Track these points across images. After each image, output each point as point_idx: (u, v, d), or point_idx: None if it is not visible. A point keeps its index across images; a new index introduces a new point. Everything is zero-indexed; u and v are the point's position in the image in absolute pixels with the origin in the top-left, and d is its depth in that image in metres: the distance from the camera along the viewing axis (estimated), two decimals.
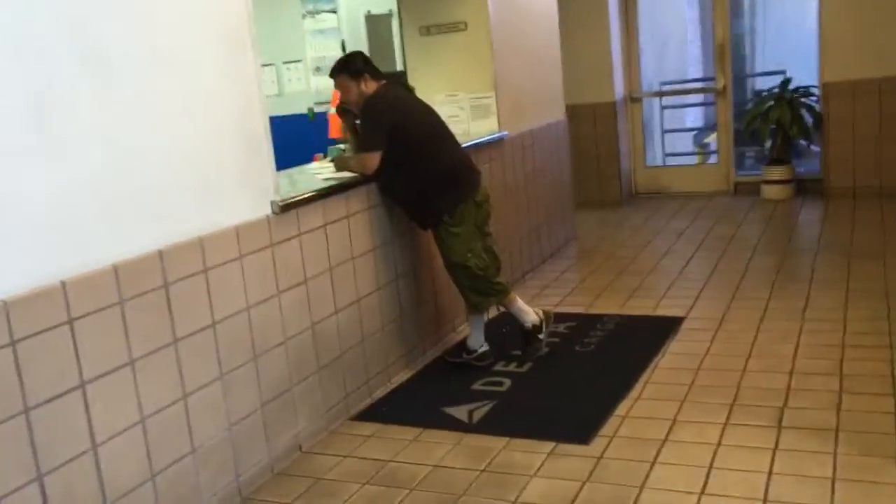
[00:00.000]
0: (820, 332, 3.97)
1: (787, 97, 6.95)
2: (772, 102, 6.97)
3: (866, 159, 6.76)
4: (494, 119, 5.12)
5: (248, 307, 2.99)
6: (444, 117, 5.19)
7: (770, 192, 7.12)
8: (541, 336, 3.96)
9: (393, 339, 3.92)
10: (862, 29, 6.60)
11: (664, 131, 8.72)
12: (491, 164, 5.00)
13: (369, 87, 3.68)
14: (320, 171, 3.86)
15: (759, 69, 12.54)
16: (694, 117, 10.42)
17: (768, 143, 7.12)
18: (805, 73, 7.46)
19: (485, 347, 3.97)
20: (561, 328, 4.38)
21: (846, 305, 4.29)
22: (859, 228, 5.89)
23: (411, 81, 5.26)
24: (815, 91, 6.99)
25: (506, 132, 5.16)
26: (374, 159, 3.61)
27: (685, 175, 7.95)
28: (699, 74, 9.78)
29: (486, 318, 4.06)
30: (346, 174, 3.72)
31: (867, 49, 6.58)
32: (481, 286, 3.83)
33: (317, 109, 6.85)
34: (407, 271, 4.02)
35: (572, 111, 7.56)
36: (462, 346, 4.04)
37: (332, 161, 3.93)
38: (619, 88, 7.67)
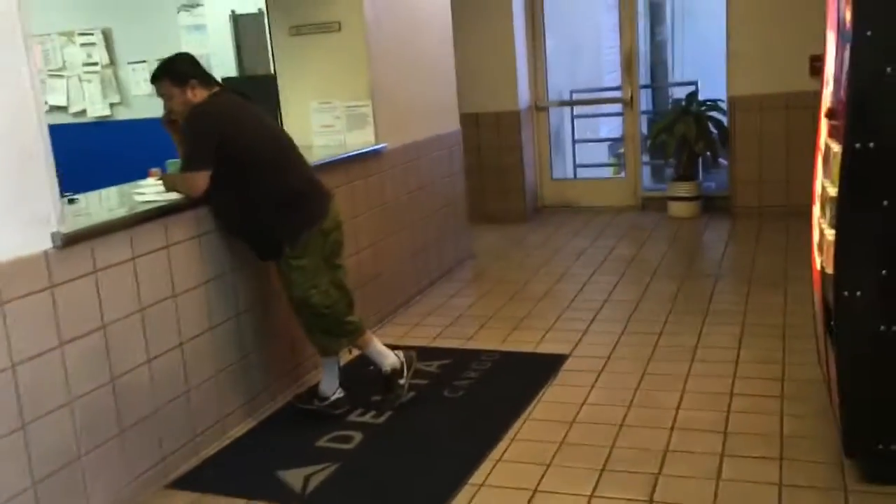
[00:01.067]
0: (709, 376, 3.60)
1: (694, 111, 6.67)
2: (677, 116, 6.67)
3: (773, 177, 6.50)
4: (371, 130, 4.65)
5: (12, 364, 2.44)
6: (318, 127, 4.76)
7: (676, 209, 6.83)
8: (402, 381, 3.50)
9: (231, 386, 3.40)
10: (769, 42, 6.34)
11: (575, 141, 8.39)
12: (367, 180, 4.52)
13: (197, 94, 3.15)
14: (144, 192, 3.32)
15: (676, 79, 12.42)
16: (611, 127, 10.17)
17: (673, 159, 6.83)
18: (717, 86, 7.20)
19: (338, 394, 3.49)
20: (433, 367, 3.93)
21: (740, 343, 3.95)
22: (763, 251, 5.61)
23: (281, 87, 4.77)
24: (723, 105, 6.73)
25: (384, 144, 4.69)
26: (200, 179, 3.08)
27: (593, 189, 7.62)
28: (617, 83, 9.51)
29: (341, 359, 3.59)
30: (175, 195, 3.19)
31: (774, 63, 6.33)
32: (329, 326, 3.34)
33: None
34: (252, 305, 3.51)
35: (474, 120, 7.17)
36: (315, 391, 3.55)
37: (160, 179, 3.40)
38: (525, 97, 7.29)
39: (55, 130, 2.79)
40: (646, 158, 7.25)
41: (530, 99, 7.41)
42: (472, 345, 4.25)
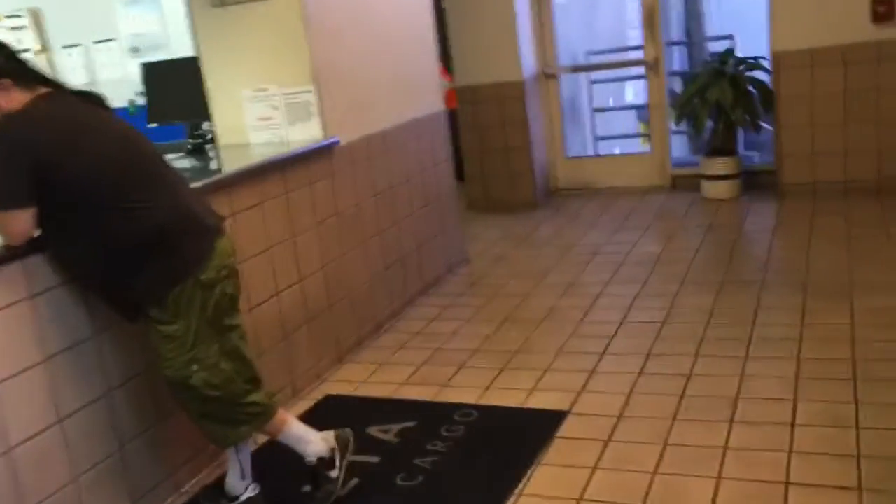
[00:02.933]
0: (753, 450, 2.63)
1: (730, 71, 5.58)
2: (710, 79, 5.59)
3: (828, 147, 5.42)
4: (317, 121, 3.70)
5: None
6: (253, 121, 3.83)
7: (711, 189, 5.78)
8: (334, 473, 2.60)
9: (102, 489, 2.54)
10: None
11: (594, 111, 7.35)
12: (312, 187, 3.59)
13: (13, 99, 2.23)
14: None
15: (714, 32, 11.20)
16: (638, 90, 9.05)
17: (708, 130, 5.76)
18: (758, 40, 6.10)
19: (251, 492, 2.60)
20: (391, 434, 3.03)
21: (795, 393, 2.96)
22: (819, 245, 4.56)
23: (206, 72, 3.84)
24: (765, 63, 5.63)
25: (334, 138, 3.74)
26: (16, 221, 2.17)
27: (615, 167, 6.59)
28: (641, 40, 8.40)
29: (252, 445, 2.70)
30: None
31: (828, 9, 5.22)
32: (221, 412, 2.43)
33: (140, 102, 5.38)
34: (135, 373, 2.63)
35: (471, 95, 6.20)
36: (223, 486, 2.67)
37: None
38: (529, 63, 6.25)
39: None
40: (676, 127, 6.18)
41: (536, 65, 6.37)
42: (446, 395, 3.33)
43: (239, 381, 2.44)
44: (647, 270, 4.50)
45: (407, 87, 4.48)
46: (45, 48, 5.55)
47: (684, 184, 6.18)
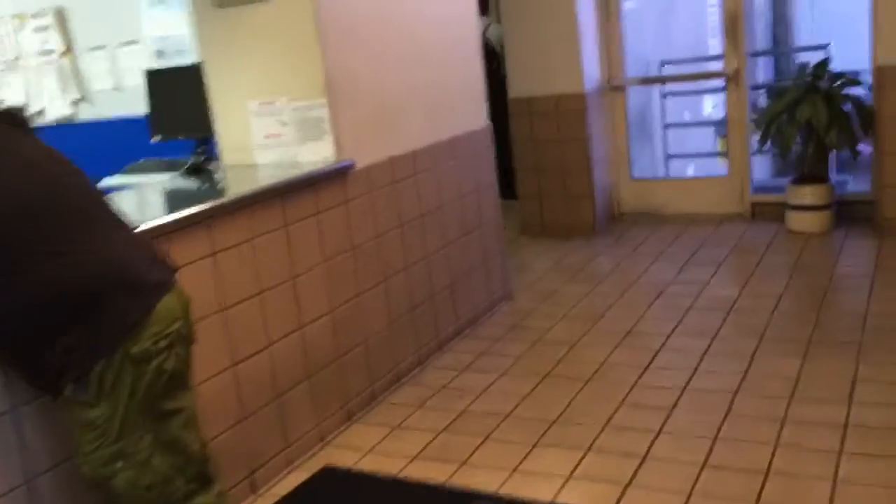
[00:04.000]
0: None
1: (823, 87, 4.85)
2: (800, 94, 4.87)
3: None
4: (329, 140, 3.18)
5: None
6: (261, 138, 3.33)
7: (798, 221, 5.05)
8: None
9: None
10: None
11: (666, 126, 6.66)
12: (319, 218, 3.07)
13: None
14: None
15: (803, 42, 10.34)
16: (718, 104, 8.29)
17: (795, 153, 5.03)
18: (856, 53, 5.36)
19: None
20: None
21: None
22: None
23: (209, 80, 3.36)
24: (866, 78, 4.88)
25: (349, 161, 3.21)
26: None
27: (687, 190, 5.89)
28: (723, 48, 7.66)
29: None
30: None
31: None
32: None
33: None
34: (67, 456, 2.14)
35: (526, 107, 5.61)
36: None
37: None
38: (593, 74, 5.62)
39: None
40: (760, 148, 5.46)
41: (601, 76, 5.74)
42: (464, 477, 2.75)
43: (179, 480, 1.91)
44: (718, 319, 3.83)
45: (445, 100, 3.93)
46: (69, 50, 5.20)
47: (766, 213, 5.46)
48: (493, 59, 5.68)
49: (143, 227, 2.26)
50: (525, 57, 5.53)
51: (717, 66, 6.18)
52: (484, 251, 4.22)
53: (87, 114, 5.27)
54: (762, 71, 8.24)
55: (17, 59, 5.35)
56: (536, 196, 5.75)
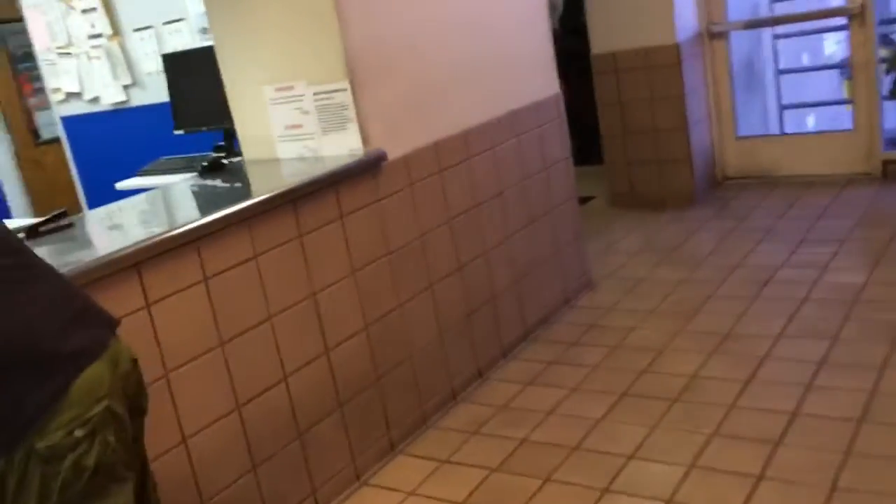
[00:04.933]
0: None
1: None
2: None
3: None
4: (355, 129, 2.71)
5: None
6: (282, 130, 2.90)
7: None
8: None
9: None
10: None
11: (780, 72, 5.82)
12: (345, 222, 2.62)
13: None
14: None
15: None
16: (841, 45, 7.29)
17: None
18: None
19: None
20: None
21: None
22: None
23: (221, 62, 2.96)
24: None
25: (378, 151, 2.74)
26: None
27: (803, 148, 5.09)
28: None
29: None
30: None
31: None
32: None
33: None
34: None
35: (611, 63, 4.97)
36: None
37: None
38: (689, 19, 4.89)
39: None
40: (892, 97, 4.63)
41: (698, 22, 5.00)
42: None
43: None
44: (840, 316, 3.17)
45: (503, 67, 3.38)
46: (116, 32, 4.92)
47: None
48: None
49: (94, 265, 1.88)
50: (607, 6, 4.87)
51: (838, 1, 5.32)
52: (555, 239, 3.68)
53: (139, 98, 5.01)
54: (880, 4, 7.22)
55: (69, 45, 5.13)
56: (625, 164, 5.11)
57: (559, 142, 3.73)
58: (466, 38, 3.19)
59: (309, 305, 2.50)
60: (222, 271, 2.25)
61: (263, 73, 2.84)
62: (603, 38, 4.95)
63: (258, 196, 2.37)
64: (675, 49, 4.75)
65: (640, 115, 4.97)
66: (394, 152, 2.80)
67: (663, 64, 4.81)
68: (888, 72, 4.26)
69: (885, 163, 4.71)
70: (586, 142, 5.35)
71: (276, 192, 2.41)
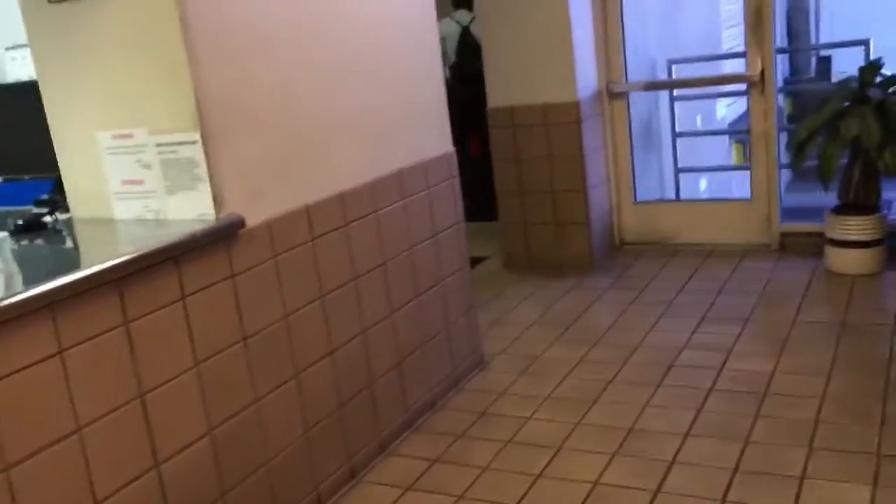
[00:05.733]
0: None
1: (874, 97, 3.90)
2: (844, 105, 3.93)
3: None
4: (206, 190, 2.26)
5: None
6: (119, 185, 2.37)
7: (841, 260, 4.10)
8: None
9: None
10: None
11: (676, 136, 5.71)
12: (186, 303, 2.14)
13: None
14: None
15: (822, 38, 9.39)
16: (735, 109, 7.34)
17: (839, 179, 4.09)
18: None
19: None
20: None
21: None
22: None
23: (46, 102, 2.44)
24: None
25: (233, 217, 2.29)
26: None
27: (701, 216, 4.93)
28: (739, 43, 6.69)
29: None
30: None
31: None
32: None
33: None
34: None
35: (508, 118, 4.68)
36: None
37: None
38: (589, 78, 4.68)
39: None
40: (794, 171, 4.51)
41: (598, 81, 4.79)
42: None
43: None
44: (750, 411, 2.89)
45: (389, 121, 2.99)
46: None
47: (798, 246, 4.52)
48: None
49: None
50: (506, 58, 4.59)
51: (734, 64, 5.25)
52: (445, 314, 3.30)
53: None
54: (778, 72, 7.36)
55: None
56: (521, 223, 4.81)
57: (451, 205, 3.36)
58: (350, 85, 2.78)
59: (134, 410, 2.00)
60: (8, 374, 1.73)
61: (97, 115, 2.35)
62: (501, 91, 4.66)
63: (68, 274, 1.86)
64: (576, 107, 4.51)
65: (537, 174, 4.69)
66: (255, 217, 2.36)
67: (563, 121, 4.55)
68: (788, 147, 4.12)
69: (784, 235, 4.59)
70: (480, 196, 5.05)
71: (93, 269, 1.91)
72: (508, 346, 3.75)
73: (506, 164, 4.77)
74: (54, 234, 2.43)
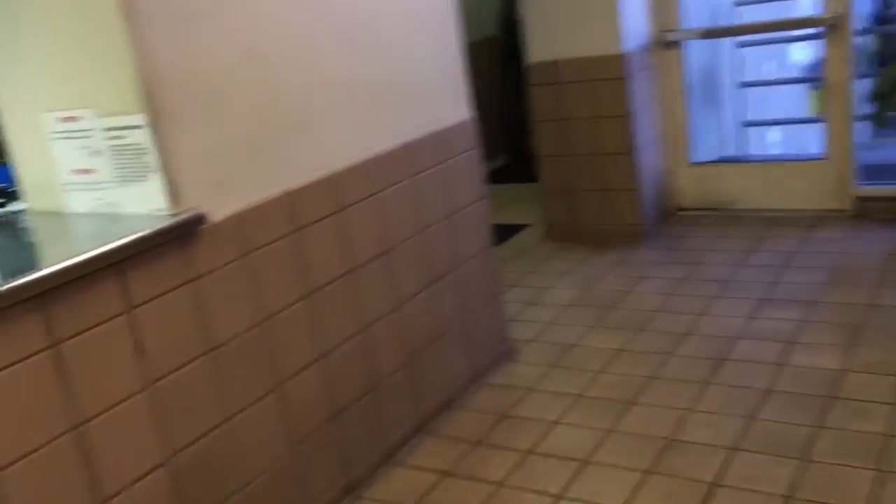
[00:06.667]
0: None
1: None
2: None
3: None
4: (156, 182, 1.95)
5: None
6: (69, 173, 2.04)
7: None
8: None
9: None
10: None
11: (742, 85, 5.14)
12: (133, 315, 1.85)
13: None
14: None
15: None
16: (811, 52, 6.65)
17: None
18: None
19: None
20: None
21: None
22: None
23: None
24: None
25: (194, 210, 1.97)
26: None
27: (767, 178, 4.41)
28: None
29: None
30: None
31: None
32: None
33: None
34: None
35: (551, 72, 4.26)
36: None
37: None
38: (638, 26, 4.19)
39: None
40: (875, 130, 3.96)
41: (650, 29, 4.30)
42: None
43: None
44: (811, 420, 2.48)
45: (393, 89, 2.62)
46: None
47: (878, 211, 4.00)
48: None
49: None
50: (546, 8, 4.14)
51: (807, 4, 4.66)
52: (464, 303, 2.95)
53: None
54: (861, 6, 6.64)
55: None
56: (564, 190, 4.40)
57: (471, 180, 2.99)
58: (339, 50, 2.42)
59: (68, 444, 1.74)
60: None
61: (43, 95, 2.06)
62: (541, 43, 4.21)
63: None
64: (621, 60, 4.04)
65: (581, 135, 4.25)
66: (221, 210, 2.04)
67: (607, 77, 4.09)
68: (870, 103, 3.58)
69: (860, 199, 4.06)
70: (522, 155, 4.66)
71: (8, 286, 1.63)
72: (542, 331, 3.39)
73: (547, 124, 4.34)
74: (5, 229, 2.17)
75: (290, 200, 2.25)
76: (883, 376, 2.66)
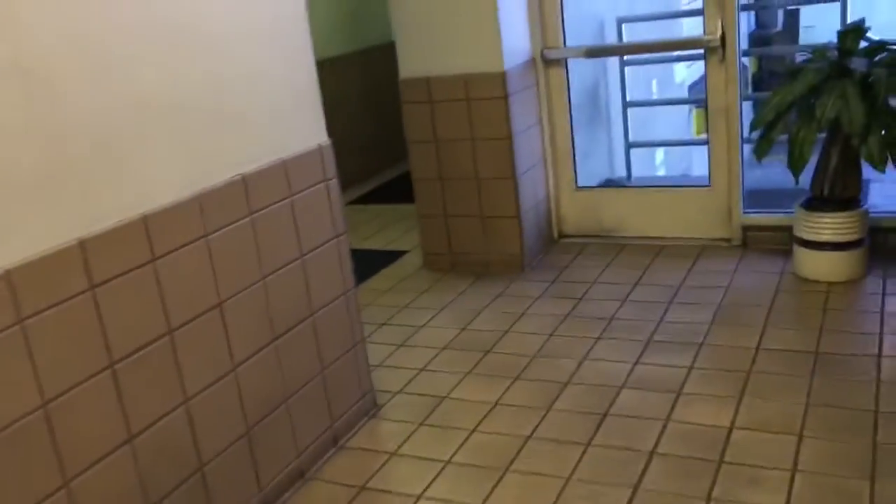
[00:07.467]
0: None
1: (858, 68, 3.19)
2: (821, 78, 3.22)
3: None
4: None
5: None
6: None
7: (812, 263, 3.44)
8: None
9: None
10: None
11: (626, 104, 4.96)
12: None
13: None
14: None
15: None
16: (694, 72, 6.61)
17: (812, 167, 3.41)
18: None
19: None
20: None
21: None
22: None
23: None
24: None
25: None
26: None
27: (652, 205, 4.22)
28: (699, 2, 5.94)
29: None
30: None
31: None
32: None
33: None
34: None
35: (424, 90, 3.93)
36: None
37: None
38: (519, 43, 3.92)
39: None
40: (758, 162, 3.79)
41: (531, 46, 4.03)
42: None
43: None
44: (697, 494, 2.22)
45: (222, 114, 2.22)
46: None
47: (763, 242, 3.86)
48: None
49: None
50: (418, 19, 3.81)
51: (696, 23, 4.51)
52: (322, 354, 2.57)
53: None
54: (742, 27, 6.66)
55: None
56: (442, 216, 4.08)
57: (327, 214, 2.61)
58: (157, 63, 2.01)
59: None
60: None
61: None
62: (413, 57, 3.88)
63: None
64: (501, 79, 3.75)
65: (458, 158, 3.94)
66: None
67: (486, 97, 3.79)
68: (753, 131, 3.40)
69: (746, 228, 3.91)
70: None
71: None
72: (411, 380, 3.05)
73: (422, 145, 4.01)
74: None
75: (84, 250, 1.82)
76: (774, 435, 2.44)
